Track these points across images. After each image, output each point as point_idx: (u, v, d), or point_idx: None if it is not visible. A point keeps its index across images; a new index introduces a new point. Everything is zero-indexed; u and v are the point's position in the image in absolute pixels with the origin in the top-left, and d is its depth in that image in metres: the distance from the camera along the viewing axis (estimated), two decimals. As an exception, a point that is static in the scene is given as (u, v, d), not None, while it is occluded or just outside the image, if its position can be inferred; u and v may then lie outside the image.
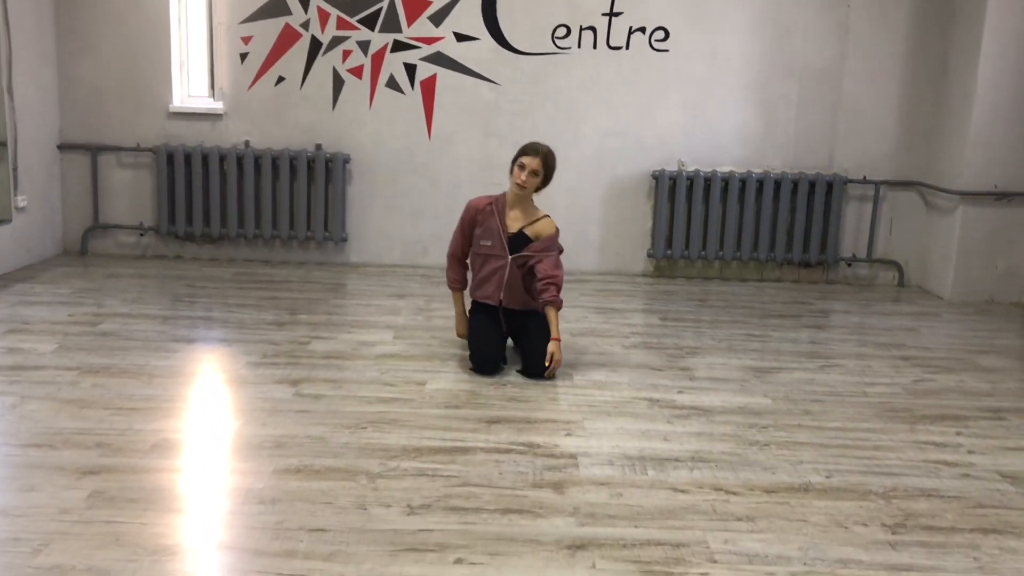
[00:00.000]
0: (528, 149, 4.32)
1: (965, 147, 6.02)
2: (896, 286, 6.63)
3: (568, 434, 3.55)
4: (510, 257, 4.31)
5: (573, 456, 3.33)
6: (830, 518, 2.94)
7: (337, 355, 4.44)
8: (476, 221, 4.41)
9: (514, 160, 4.34)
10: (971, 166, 6.01)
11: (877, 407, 4.04)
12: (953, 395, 4.26)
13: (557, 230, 4.41)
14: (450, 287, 4.58)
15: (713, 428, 3.69)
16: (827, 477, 3.25)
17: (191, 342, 4.58)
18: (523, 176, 4.28)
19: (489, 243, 4.35)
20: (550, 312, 4.25)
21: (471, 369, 4.25)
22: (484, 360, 4.25)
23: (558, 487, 3.07)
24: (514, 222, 4.35)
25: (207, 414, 3.66)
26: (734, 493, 3.09)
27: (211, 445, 3.34)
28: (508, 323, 4.41)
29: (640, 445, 3.47)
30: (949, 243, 6.20)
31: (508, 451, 3.35)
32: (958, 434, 3.75)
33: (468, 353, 4.35)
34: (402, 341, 4.72)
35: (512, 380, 4.16)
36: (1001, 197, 6.04)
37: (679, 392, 4.12)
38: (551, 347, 4.17)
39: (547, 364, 4.16)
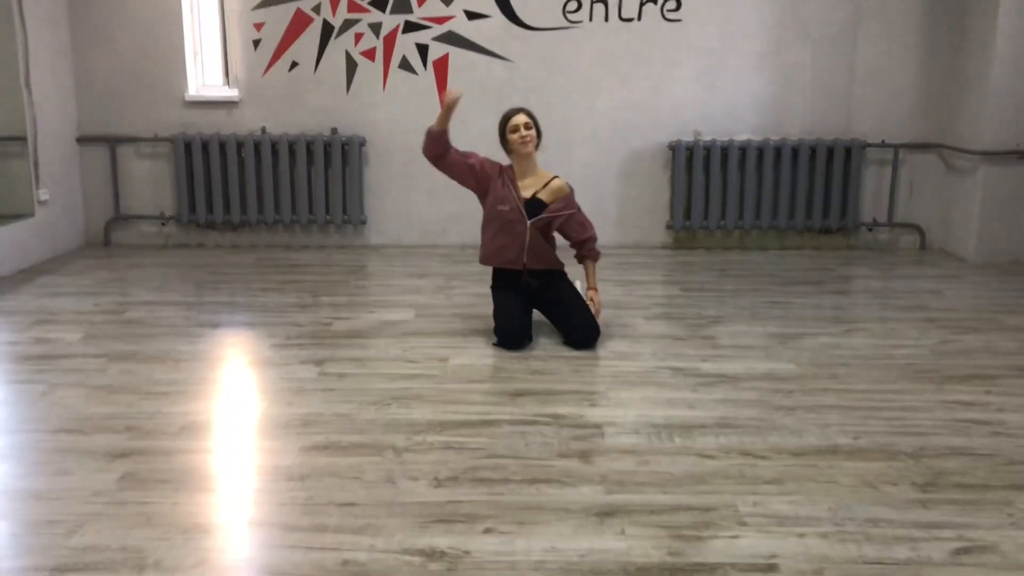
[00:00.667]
0: (509, 113, 4.38)
1: (985, 106, 5.94)
2: (918, 249, 6.58)
3: (593, 405, 3.55)
4: (529, 222, 4.29)
5: (599, 426, 3.34)
6: (859, 479, 2.93)
7: (360, 334, 4.46)
8: (490, 179, 4.40)
9: (502, 133, 4.39)
10: (992, 125, 5.94)
11: (903, 369, 4.01)
12: (980, 355, 4.23)
13: (571, 188, 4.42)
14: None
15: (739, 394, 3.68)
16: (855, 439, 3.24)
17: (215, 327, 4.62)
18: (524, 133, 4.29)
19: (507, 207, 4.32)
20: (588, 265, 4.41)
21: (495, 344, 4.26)
22: (510, 336, 4.24)
23: (585, 456, 3.07)
24: (527, 189, 4.35)
25: (234, 396, 3.69)
26: (762, 457, 3.08)
27: (239, 425, 3.37)
28: (533, 284, 4.37)
29: (666, 413, 3.46)
30: (971, 204, 6.13)
31: (533, 423, 3.36)
32: (987, 393, 3.72)
33: (493, 327, 4.35)
34: (424, 319, 4.74)
35: (535, 354, 4.17)
36: (1024, 156, 5.97)
37: (703, 360, 4.11)
38: (591, 294, 4.35)
39: (591, 307, 4.32)
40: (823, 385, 3.80)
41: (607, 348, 4.27)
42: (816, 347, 4.31)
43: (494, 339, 4.30)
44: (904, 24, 6.27)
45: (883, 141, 6.39)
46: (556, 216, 4.34)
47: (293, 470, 2.96)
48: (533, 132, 4.33)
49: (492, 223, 4.39)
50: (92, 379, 3.82)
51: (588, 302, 4.37)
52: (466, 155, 4.47)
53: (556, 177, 4.42)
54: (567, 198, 4.38)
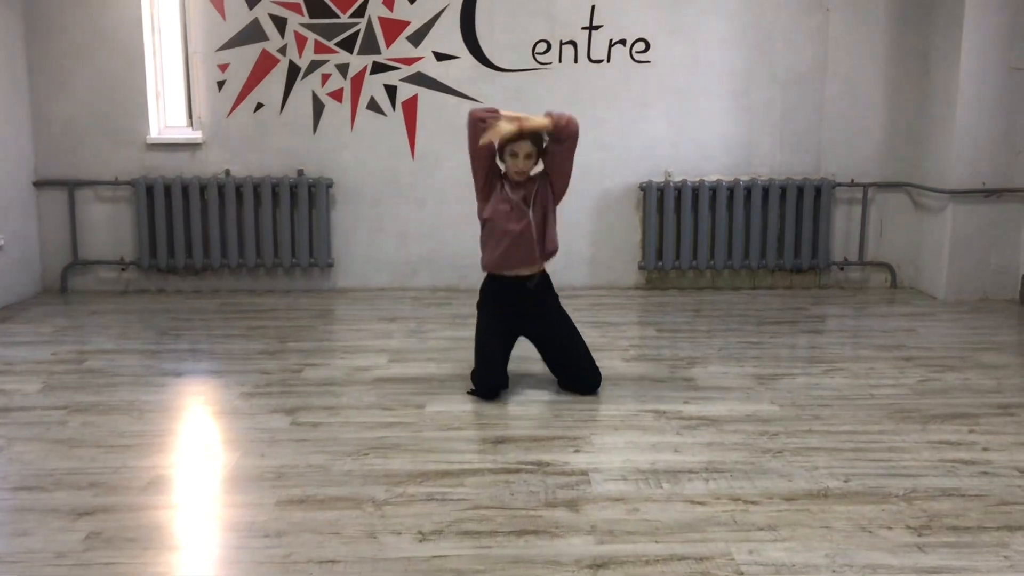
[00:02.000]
0: (513, 135, 4.02)
1: (951, 145, 6.01)
2: (889, 288, 6.60)
3: (577, 450, 3.46)
4: (531, 212, 4.10)
5: (584, 473, 3.24)
6: (853, 523, 2.86)
7: (332, 382, 4.32)
8: (495, 177, 4.19)
9: (502, 146, 4.08)
10: (958, 164, 6.00)
11: (886, 408, 3.97)
12: (960, 393, 4.20)
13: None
14: (481, 114, 4.07)
15: (724, 437, 3.60)
16: (845, 481, 3.17)
17: (180, 375, 4.46)
18: (521, 167, 4.08)
19: (507, 207, 4.10)
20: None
21: (469, 392, 4.13)
22: (490, 388, 4.06)
23: (572, 505, 2.97)
24: (518, 192, 4.15)
25: (202, 448, 3.54)
26: (753, 503, 3.00)
27: (209, 479, 3.22)
28: (531, 285, 4.17)
29: (651, 458, 3.37)
30: (940, 242, 6.17)
31: (517, 471, 3.25)
32: (971, 432, 3.69)
33: (470, 372, 4.24)
34: (397, 364, 4.62)
35: (514, 398, 4.07)
36: (990, 194, 6.02)
37: (684, 403, 4.03)
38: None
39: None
40: (807, 426, 3.74)
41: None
42: (796, 388, 4.26)
43: (470, 387, 4.17)
44: (870, 65, 6.34)
45: (852, 180, 6.43)
46: (541, 191, 4.13)
47: (269, 526, 2.82)
48: (532, 164, 4.11)
49: (494, 227, 4.14)
50: (52, 432, 3.65)
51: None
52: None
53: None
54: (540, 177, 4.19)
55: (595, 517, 2.88)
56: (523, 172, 4.11)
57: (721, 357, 4.78)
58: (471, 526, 2.82)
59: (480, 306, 4.30)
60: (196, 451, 3.49)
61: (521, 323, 4.22)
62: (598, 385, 4.17)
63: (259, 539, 2.74)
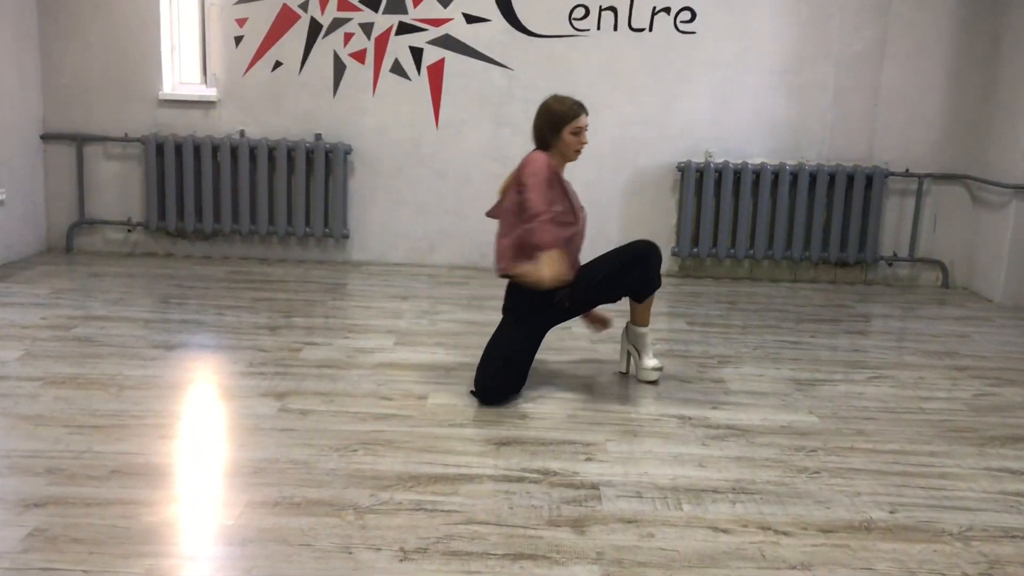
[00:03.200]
0: (572, 111, 3.66)
1: (1019, 136, 5.53)
2: (940, 287, 6.14)
3: (589, 458, 3.10)
4: (583, 215, 3.83)
5: (595, 486, 2.88)
6: (900, 565, 2.48)
7: (331, 364, 4.00)
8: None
9: (562, 122, 3.65)
10: (1025, 157, 5.53)
11: (937, 426, 3.56)
12: (1020, 412, 3.78)
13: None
14: (550, 247, 3.46)
15: (754, 452, 3.22)
16: (891, 512, 2.79)
17: (171, 348, 4.15)
18: (584, 138, 3.71)
19: (560, 208, 3.65)
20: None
21: (472, 393, 3.67)
22: (503, 397, 3.62)
23: (578, 525, 2.62)
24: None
25: (178, 433, 3.22)
26: (784, 533, 2.63)
27: (177, 472, 2.90)
28: (566, 303, 3.74)
29: (672, 473, 3.01)
30: (1000, 241, 5.70)
31: (520, 479, 2.90)
32: (1035, 459, 3.28)
33: (479, 364, 3.89)
34: (403, 348, 4.28)
35: (525, 393, 3.71)
36: (1058, 191, 5.55)
37: (713, 408, 3.66)
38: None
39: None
40: (849, 443, 3.35)
41: (605, 390, 3.82)
42: (837, 396, 3.87)
43: (472, 387, 3.69)
44: (934, 46, 5.85)
45: (907, 170, 5.97)
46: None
47: (234, 532, 2.50)
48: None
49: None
50: (20, 407, 3.36)
51: None
52: (547, 183, 3.59)
53: None
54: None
55: (603, 542, 2.53)
56: (580, 150, 3.75)
57: (756, 357, 4.39)
58: (460, 545, 2.48)
59: (512, 313, 3.82)
60: (170, 437, 3.18)
61: (553, 320, 3.85)
62: (658, 255, 3.73)
63: (221, 547, 2.42)
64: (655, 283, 3.78)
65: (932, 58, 5.88)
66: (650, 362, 3.90)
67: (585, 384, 3.88)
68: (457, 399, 3.61)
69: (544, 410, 3.54)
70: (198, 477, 2.86)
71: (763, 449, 3.25)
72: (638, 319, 3.89)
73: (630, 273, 3.72)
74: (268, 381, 3.74)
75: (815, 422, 3.55)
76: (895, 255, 6.11)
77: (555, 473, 2.96)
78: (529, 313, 3.76)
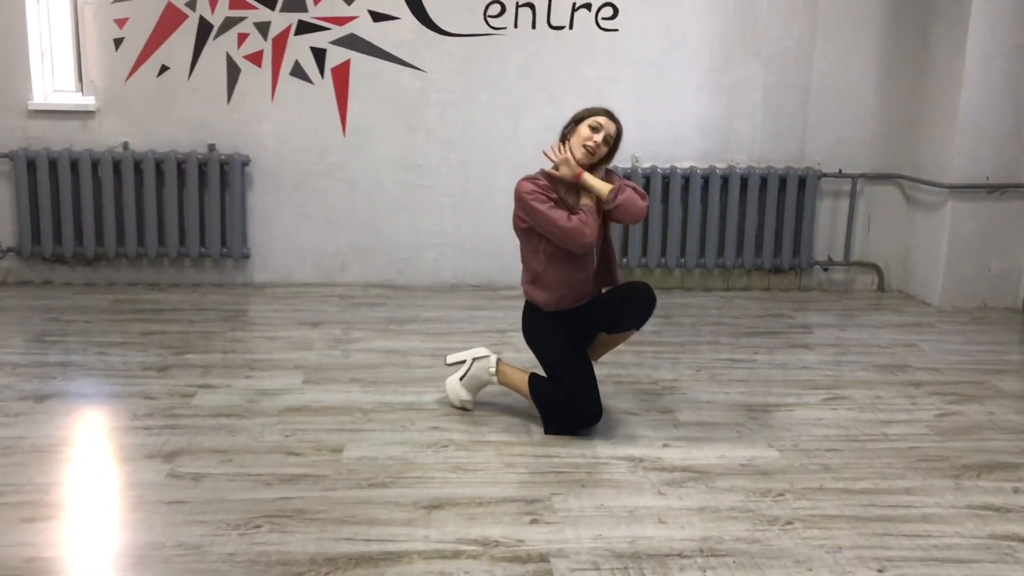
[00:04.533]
0: (599, 110, 3.39)
1: (953, 134, 5.34)
2: (875, 291, 5.93)
3: (534, 520, 2.69)
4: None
5: (544, 558, 2.47)
6: (902, 642, 2.14)
7: (229, 411, 3.49)
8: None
9: (585, 115, 3.38)
10: (960, 156, 5.33)
11: (906, 455, 3.27)
12: (988, 433, 3.52)
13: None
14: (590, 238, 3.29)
15: (717, 499, 2.86)
16: (880, 572, 2.45)
17: (41, 400, 3.58)
18: (598, 138, 3.31)
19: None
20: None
21: (555, 432, 3.35)
22: (597, 411, 3.34)
23: (529, 615, 2.21)
24: (577, 199, 3.39)
25: (43, 514, 2.68)
26: (767, 607, 2.27)
27: (42, 565, 2.38)
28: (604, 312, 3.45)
29: (630, 534, 2.62)
30: (936, 243, 5.51)
31: (456, 554, 2.47)
32: (1016, 491, 3.00)
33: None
34: (313, 387, 3.80)
35: (456, 440, 3.28)
36: (994, 190, 5.37)
37: (664, 445, 3.29)
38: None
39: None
40: (817, 482, 3.02)
41: (540, 426, 3.41)
42: (794, 423, 3.55)
43: (552, 425, 3.35)
44: (865, 42, 5.63)
45: (840, 171, 5.74)
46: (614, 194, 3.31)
47: (104, 654, 2.01)
48: (604, 152, 3.36)
49: (547, 257, 3.38)
50: None
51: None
52: (548, 202, 3.35)
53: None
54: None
55: (560, 635, 2.12)
56: (597, 148, 3.33)
57: (701, 380, 4.05)
58: (390, 654, 2.04)
59: (541, 333, 3.49)
60: (32, 520, 2.63)
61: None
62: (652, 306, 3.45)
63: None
64: (637, 322, 3.46)
65: (863, 54, 5.65)
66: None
67: (522, 422, 3.47)
68: (377, 449, 3.16)
69: (478, 459, 3.12)
70: (67, 572, 2.34)
71: (726, 496, 2.89)
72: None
73: (627, 304, 3.41)
74: (155, 438, 3.22)
75: (776, 457, 3.21)
76: (830, 259, 5.87)
77: (496, 543, 2.54)
78: (564, 330, 3.44)
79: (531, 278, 3.44)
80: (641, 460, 3.15)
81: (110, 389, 3.74)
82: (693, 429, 3.47)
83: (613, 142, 3.38)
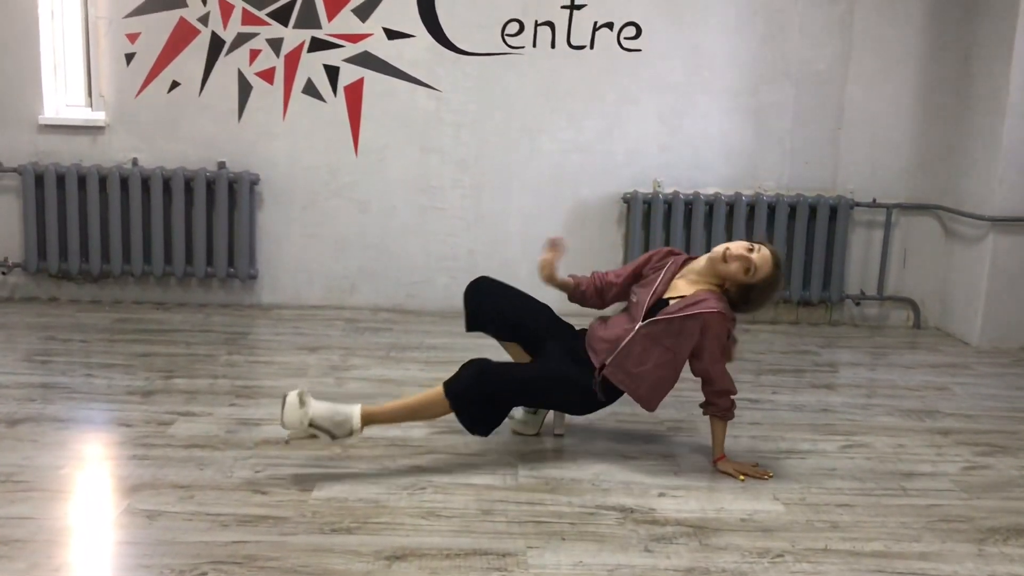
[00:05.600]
0: (761, 242, 3.31)
1: (995, 164, 5.03)
2: (911, 328, 5.61)
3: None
4: (640, 323, 3.19)
5: (507, 623, 2.25)
6: None
7: (204, 442, 3.33)
8: (645, 269, 3.42)
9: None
10: (1003, 187, 5.02)
11: (925, 513, 2.99)
12: (1020, 491, 3.22)
13: (717, 314, 3.16)
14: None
15: (708, 559, 2.61)
16: (881, 652, 2.19)
17: (13, 425, 3.45)
18: (745, 253, 3.17)
19: (635, 299, 3.32)
20: (715, 424, 3.30)
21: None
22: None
23: None
24: (678, 287, 3.27)
25: (-18, 551, 2.53)
26: None
27: (-39, 613, 2.22)
28: (600, 397, 3.32)
29: (606, 597, 2.39)
30: (977, 278, 5.19)
31: (410, 615, 2.26)
32: (1046, 561, 2.71)
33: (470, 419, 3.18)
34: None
35: (435, 482, 3.07)
36: (1040, 223, 5.06)
37: (660, 494, 3.05)
38: (722, 464, 3.27)
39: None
40: (823, 542, 2.75)
41: (531, 469, 3.20)
42: (805, 473, 3.28)
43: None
44: (902, 65, 5.35)
45: (874, 200, 5.44)
46: (670, 319, 3.15)
47: None
48: (744, 274, 3.17)
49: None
50: None
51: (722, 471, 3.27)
52: (620, 273, 3.47)
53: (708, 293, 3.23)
54: (703, 303, 3.15)
55: None
56: (744, 261, 3.18)
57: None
58: None
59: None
60: (-29, 556, 2.49)
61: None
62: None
63: None
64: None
65: (899, 78, 5.37)
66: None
67: (508, 463, 3.25)
68: (349, 490, 2.96)
69: (454, 503, 2.91)
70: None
71: (719, 555, 2.64)
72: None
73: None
74: (120, 469, 3.07)
75: (780, 512, 2.95)
76: (862, 293, 5.57)
77: (456, 603, 2.33)
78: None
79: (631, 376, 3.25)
80: (632, 511, 2.91)
81: (87, 415, 3.60)
82: (694, 477, 3.22)
83: (763, 271, 3.19)
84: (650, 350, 3.18)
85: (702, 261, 3.31)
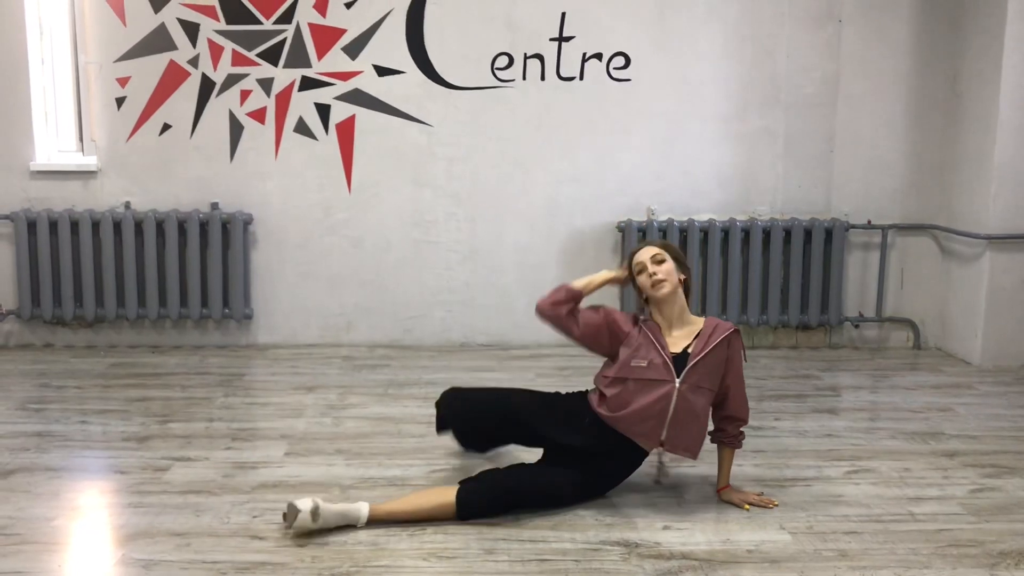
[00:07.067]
0: (634, 249, 3.32)
1: (988, 181, 5.03)
2: (911, 348, 5.58)
3: (506, 619, 2.42)
4: (678, 381, 3.08)
5: (511, 667, 2.20)
6: None
7: (201, 487, 3.28)
8: (625, 333, 3.23)
9: (630, 268, 3.29)
10: (996, 204, 5.02)
11: (933, 539, 2.94)
12: (1028, 512, 3.18)
13: (737, 331, 3.21)
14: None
15: (716, 594, 2.57)
16: None
17: (7, 475, 3.40)
18: (653, 269, 3.18)
19: (644, 364, 3.12)
20: (725, 453, 3.26)
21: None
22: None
23: None
24: (676, 343, 3.18)
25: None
26: None
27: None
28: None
29: (612, 637, 2.34)
30: (975, 297, 5.17)
31: (412, 661, 2.21)
32: (1059, 584, 2.66)
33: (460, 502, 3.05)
34: (295, 461, 3.57)
35: (434, 521, 3.02)
36: (1036, 240, 5.04)
37: (664, 528, 3.00)
38: (728, 493, 3.22)
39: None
40: (832, 571, 2.71)
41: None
42: (811, 501, 3.24)
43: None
44: (891, 85, 5.37)
45: (869, 222, 5.44)
46: (706, 356, 3.11)
47: None
48: (670, 266, 3.20)
49: (621, 383, 3.15)
50: None
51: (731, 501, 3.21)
52: (593, 310, 3.29)
53: (711, 321, 3.25)
54: (718, 326, 3.19)
55: None
56: (662, 278, 3.17)
57: (714, 450, 3.73)
58: None
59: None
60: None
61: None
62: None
63: None
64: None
65: (890, 99, 5.38)
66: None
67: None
68: (347, 533, 2.91)
69: (455, 544, 2.86)
70: None
71: (727, 589, 2.59)
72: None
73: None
74: (116, 517, 3.02)
75: (787, 542, 2.91)
76: (861, 315, 5.55)
77: (460, 647, 2.27)
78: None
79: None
80: (637, 546, 2.87)
81: (82, 463, 3.55)
82: (699, 508, 3.17)
83: (667, 252, 3.23)
84: (694, 403, 3.11)
85: (656, 305, 3.23)
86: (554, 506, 3.10)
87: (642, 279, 3.22)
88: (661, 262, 3.19)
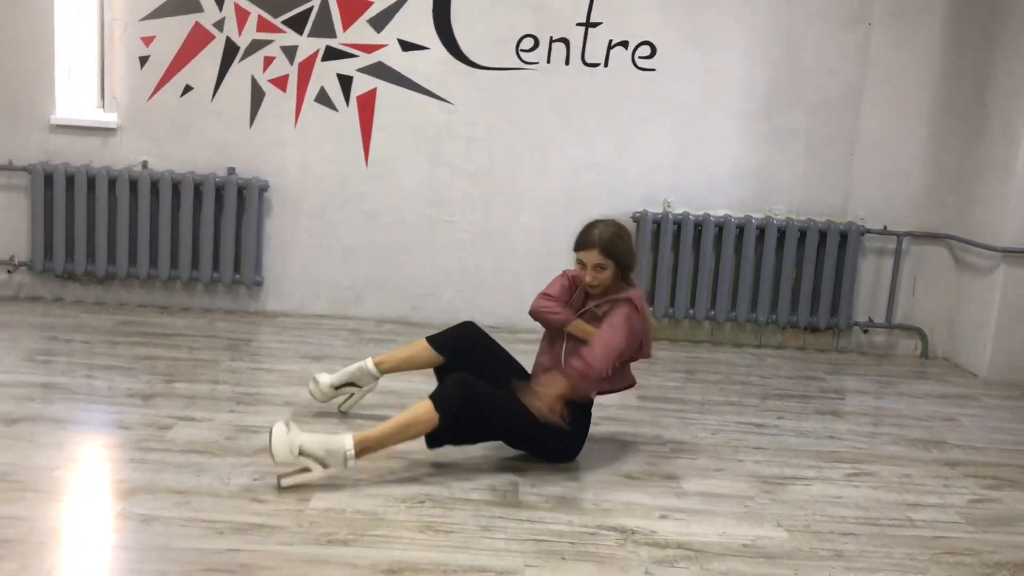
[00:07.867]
0: (580, 242, 3.40)
1: (1008, 195, 5.00)
2: (918, 357, 5.57)
3: (500, 596, 2.43)
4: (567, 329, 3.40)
5: (502, 643, 2.21)
6: None
7: (202, 448, 3.30)
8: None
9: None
10: (1015, 218, 4.98)
11: (930, 546, 2.94)
12: (1027, 525, 3.17)
13: (635, 309, 3.35)
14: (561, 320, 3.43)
15: (709, 585, 2.57)
16: None
17: (11, 424, 3.42)
18: (588, 277, 3.36)
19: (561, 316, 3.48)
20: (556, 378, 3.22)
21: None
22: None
23: None
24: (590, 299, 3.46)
25: (-27, 550, 2.50)
26: None
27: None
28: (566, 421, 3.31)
29: (604, 620, 2.35)
30: (987, 309, 5.14)
31: (404, 631, 2.22)
32: (1054, 597, 2.66)
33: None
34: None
35: (434, 495, 3.03)
36: (1052, 256, 5.01)
37: (662, 517, 3.01)
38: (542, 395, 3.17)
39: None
40: (826, 571, 2.71)
41: (534, 487, 3.16)
42: (810, 500, 3.24)
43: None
44: (916, 92, 5.33)
45: (885, 227, 5.42)
46: (593, 308, 3.41)
47: None
48: (607, 274, 3.35)
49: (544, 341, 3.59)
50: None
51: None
52: (561, 277, 3.59)
53: (628, 298, 3.37)
54: (618, 298, 3.36)
55: None
56: (594, 283, 3.37)
57: (715, 445, 3.75)
58: None
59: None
60: (-39, 555, 2.46)
61: None
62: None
63: None
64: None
65: (914, 106, 5.35)
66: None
67: (510, 480, 3.21)
68: (347, 501, 2.92)
69: (453, 519, 2.87)
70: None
71: (721, 581, 2.60)
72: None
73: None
74: (118, 471, 3.04)
75: (783, 539, 2.91)
76: (870, 320, 5.53)
77: (452, 620, 2.28)
78: None
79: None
80: (633, 532, 2.87)
81: (86, 416, 3.57)
82: (697, 500, 3.17)
83: (609, 260, 3.32)
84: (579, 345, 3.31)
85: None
86: (523, 428, 3.20)
87: (580, 271, 3.39)
88: (603, 269, 3.32)
